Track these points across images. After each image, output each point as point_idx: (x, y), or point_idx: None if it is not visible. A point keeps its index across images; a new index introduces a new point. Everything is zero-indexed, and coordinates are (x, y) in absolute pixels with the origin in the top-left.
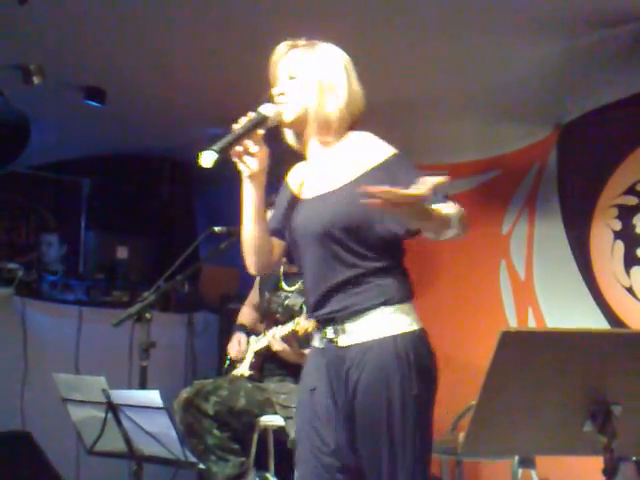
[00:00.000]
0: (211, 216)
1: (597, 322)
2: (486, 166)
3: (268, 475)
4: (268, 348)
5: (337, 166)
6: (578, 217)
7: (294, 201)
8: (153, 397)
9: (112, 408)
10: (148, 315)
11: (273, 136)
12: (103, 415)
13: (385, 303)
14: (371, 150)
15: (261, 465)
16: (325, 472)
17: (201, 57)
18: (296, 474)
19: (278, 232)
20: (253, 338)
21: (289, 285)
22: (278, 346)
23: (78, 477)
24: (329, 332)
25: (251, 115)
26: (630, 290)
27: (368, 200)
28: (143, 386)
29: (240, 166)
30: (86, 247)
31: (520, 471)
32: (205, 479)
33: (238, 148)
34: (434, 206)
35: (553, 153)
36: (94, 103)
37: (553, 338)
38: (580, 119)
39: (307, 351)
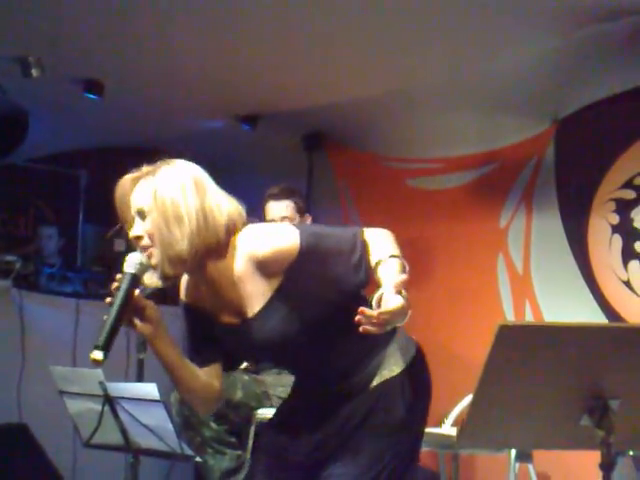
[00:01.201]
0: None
1: (594, 316)
2: (483, 159)
3: None
4: None
5: (249, 279)
6: (576, 211)
7: (218, 324)
8: (150, 390)
9: (109, 401)
10: None
11: None
12: (100, 408)
13: (384, 348)
14: (277, 248)
15: None
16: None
17: (200, 50)
18: None
19: (209, 358)
20: None
21: None
22: None
23: (74, 469)
24: (338, 392)
25: (119, 281)
26: (627, 284)
27: (365, 329)
28: (140, 379)
29: (137, 330)
30: (84, 240)
31: (517, 465)
32: (202, 472)
33: (125, 318)
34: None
35: (551, 147)
36: (92, 96)
37: (550, 332)
38: (578, 113)
39: None
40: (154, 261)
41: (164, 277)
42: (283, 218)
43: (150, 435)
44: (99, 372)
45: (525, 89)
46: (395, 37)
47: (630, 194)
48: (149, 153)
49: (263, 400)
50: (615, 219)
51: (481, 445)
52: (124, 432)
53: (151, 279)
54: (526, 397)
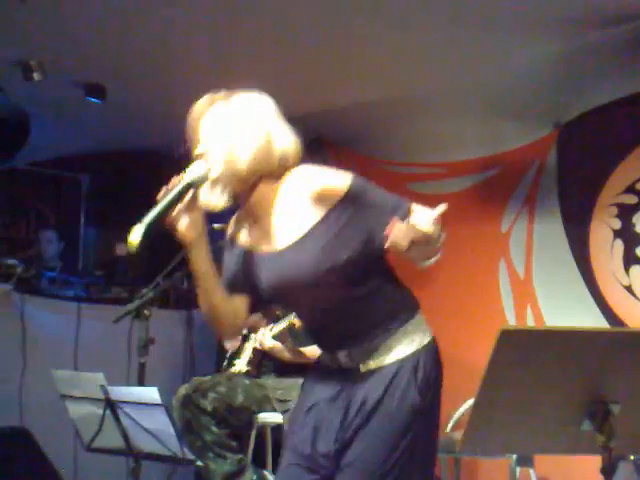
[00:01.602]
0: (210, 212)
1: (596, 321)
2: (485, 164)
3: (266, 472)
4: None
5: (292, 211)
6: (578, 216)
7: (254, 255)
8: (151, 394)
9: (110, 405)
10: (147, 312)
11: None
12: (101, 412)
13: (400, 324)
14: (326, 185)
15: (259, 462)
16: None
17: (202, 54)
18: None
19: (238, 287)
20: (252, 335)
21: None
22: (268, 343)
23: (76, 474)
24: (342, 357)
25: (177, 181)
26: (629, 289)
27: (389, 243)
28: (141, 383)
29: (178, 234)
30: (85, 244)
31: (518, 470)
32: (203, 476)
33: (171, 215)
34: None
35: (553, 151)
36: (94, 99)
37: (552, 337)
38: (580, 118)
39: (304, 349)
40: (214, 176)
41: (218, 194)
42: None
43: (151, 439)
44: (100, 376)
45: (527, 94)
46: (397, 42)
47: (632, 199)
48: (151, 157)
49: (264, 404)
50: (617, 224)
51: (482, 450)
52: (125, 436)
53: (207, 196)
54: (527, 402)
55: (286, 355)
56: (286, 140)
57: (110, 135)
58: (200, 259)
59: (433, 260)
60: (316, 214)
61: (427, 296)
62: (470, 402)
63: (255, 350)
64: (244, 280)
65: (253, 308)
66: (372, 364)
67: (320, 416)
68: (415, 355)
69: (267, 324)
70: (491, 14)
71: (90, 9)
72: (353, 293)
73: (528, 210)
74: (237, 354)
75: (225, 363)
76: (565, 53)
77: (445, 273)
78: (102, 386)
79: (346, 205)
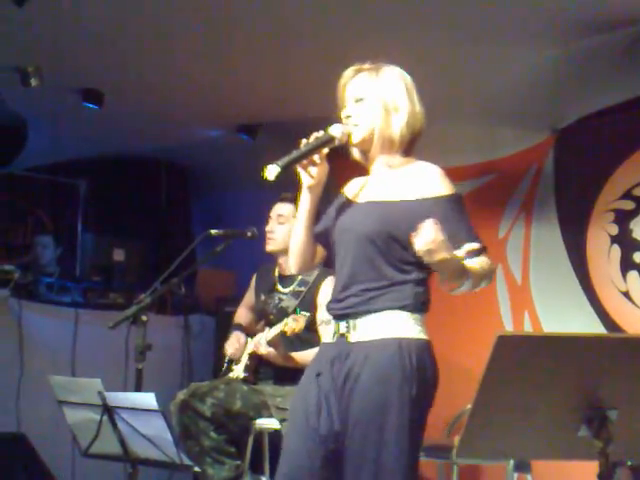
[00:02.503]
0: (208, 219)
1: (593, 326)
2: (482, 170)
3: (263, 478)
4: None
5: (397, 185)
6: (575, 221)
7: (346, 205)
8: (149, 400)
9: (108, 410)
10: (144, 317)
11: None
12: (99, 417)
13: (401, 308)
14: (435, 183)
15: (256, 468)
16: (308, 457)
17: (199, 60)
18: (282, 449)
19: (322, 236)
20: (248, 340)
21: (284, 287)
22: (263, 350)
23: (73, 479)
24: (342, 327)
25: (319, 134)
26: (626, 294)
27: (421, 241)
28: (139, 388)
29: (302, 177)
30: (83, 249)
31: (516, 475)
32: None
33: (304, 161)
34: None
35: (550, 157)
36: (91, 105)
37: (549, 342)
38: (577, 123)
39: (294, 354)
40: (358, 139)
41: (360, 154)
42: (279, 216)
43: (149, 445)
44: (98, 382)
45: (524, 99)
46: (394, 49)
47: (629, 204)
48: (149, 163)
49: (262, 410)
50: (614, 230)
51: (480, 455)
52: (123, 442)
53: (354, 154)
54: (524, 407)
55: (279, 361)
56: (422, 116)
57: (107, 141)
58: (311, 201)
59: (461, 289)
60: (412, 193)
61: None
62: (467, 408)
63: (251, 356)
64: (327, 236)
65: (323, 260)
66: (362, 334)
67: (324, 391)
68: (404, 342)
69: (263, 329)
70: (488, 20)
71: (87, 15)
72: (394, 271)
73: (525, 216)
74: (236, 359)
75: (224, 367)
76: (562, 59)
77: None
78: (99, 392)
79: (435, 206)
